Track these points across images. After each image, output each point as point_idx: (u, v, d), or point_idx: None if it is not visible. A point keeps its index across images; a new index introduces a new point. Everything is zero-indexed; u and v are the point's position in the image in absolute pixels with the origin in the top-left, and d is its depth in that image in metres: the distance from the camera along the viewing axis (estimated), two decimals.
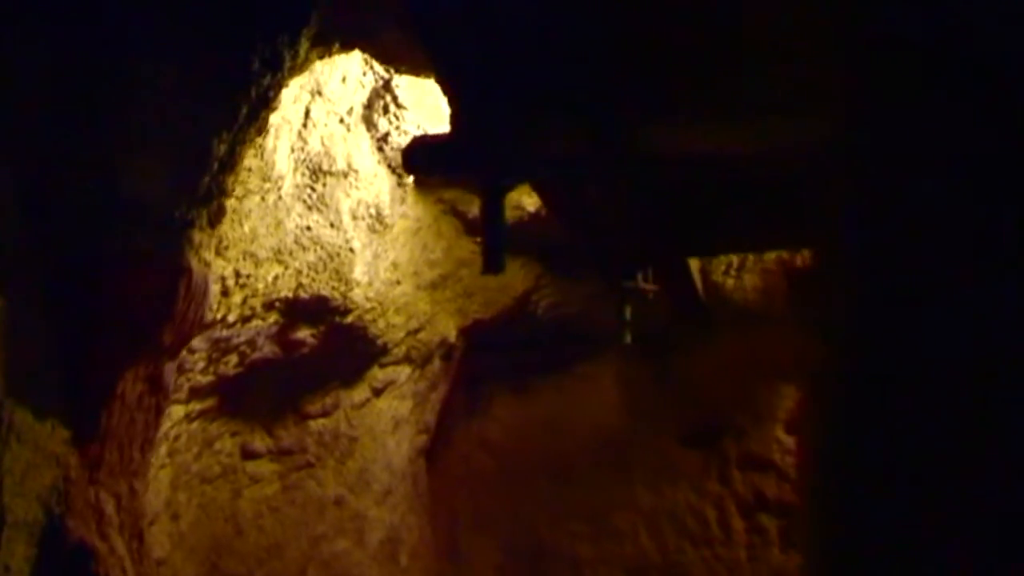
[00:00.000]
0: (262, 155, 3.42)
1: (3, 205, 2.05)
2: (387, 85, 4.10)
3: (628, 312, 3.77)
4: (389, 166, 4.31)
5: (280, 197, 3.66)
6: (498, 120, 2.43)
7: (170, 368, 2.59)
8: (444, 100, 2.56)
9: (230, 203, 2.77)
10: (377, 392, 4.92)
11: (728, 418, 5.35)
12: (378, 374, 4.87)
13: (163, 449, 3.70)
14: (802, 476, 3.97)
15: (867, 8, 1.73)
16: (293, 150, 3.70)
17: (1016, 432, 1.33)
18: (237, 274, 3.54)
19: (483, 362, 5.56)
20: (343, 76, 3.85)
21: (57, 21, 2.05)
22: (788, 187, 2.82)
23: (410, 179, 4.45)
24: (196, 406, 3.87)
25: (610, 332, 4.20)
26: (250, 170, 3.35)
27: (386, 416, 5.03)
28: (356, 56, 3.72)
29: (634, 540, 5.45)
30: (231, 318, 3.66)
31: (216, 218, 2.48)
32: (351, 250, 4.13)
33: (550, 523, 5.56)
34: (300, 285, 3.93)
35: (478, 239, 4.78)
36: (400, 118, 4.22)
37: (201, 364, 3.71)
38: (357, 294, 4.27)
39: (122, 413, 2.36)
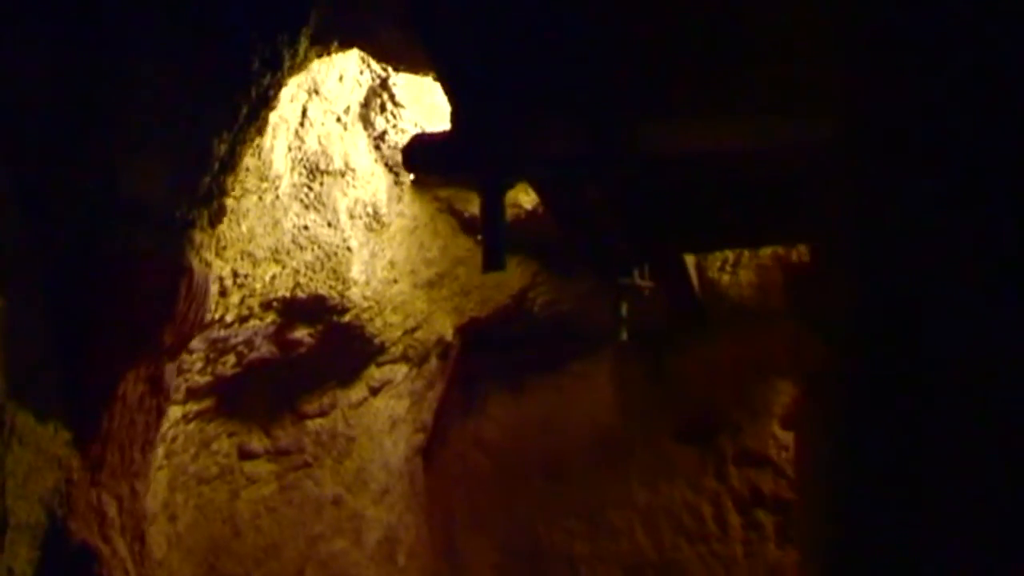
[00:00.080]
0: (259, 154, 3.42)
1: (3, 205, 2.05)
2: (384, 83, 4.10)
3: (624, 309, 3.78)
4: (386, 165, 4.31)
5: (277, 196, 3.65)
6: (498, 118, 2.44)
7: (171, 369, 2.59)
8: (443, 98, 2.56)
9: (228, 203, 2.77)
10: (374, 391, 4.92)
11: (724, 414, 5.37)
12: (375, 373, 4.87)
13: (160, 450, 3.69)
14: (799, 474, 3.98)
15: (867, 8, 1.74)
16: (290, 149, 3.70)
17: (1016, 431, 1.34)
18: (235, 274, 3.54)
19: (479, 361, 5.56)
20: (340, 75, 3.85)
21: (57, 21, 2.04)
22: (784, 182, 2.83)
23: (407, 177, 4.45)
24: (193, 407, 3.87)
25: (606, 330, 4.21)
26: (247, 169, 3.35)
27: (383, 415, 5.04)
28: (353, 55, 3.71)
29: (630, 537, 5.47)
30: (229, 318, 3.66)
31: (217, 218, 2.48)
32: (348, 249, 4.13)
33: (546, 521, 5.57)
34: (298, 284, 3.92)
35: (474, 237, 4.78)
36: (397, 116, 4.22)
37: (199, 365, 3.70)
38: (354, 293, 4.27)
39: (123, 414, 2.36)
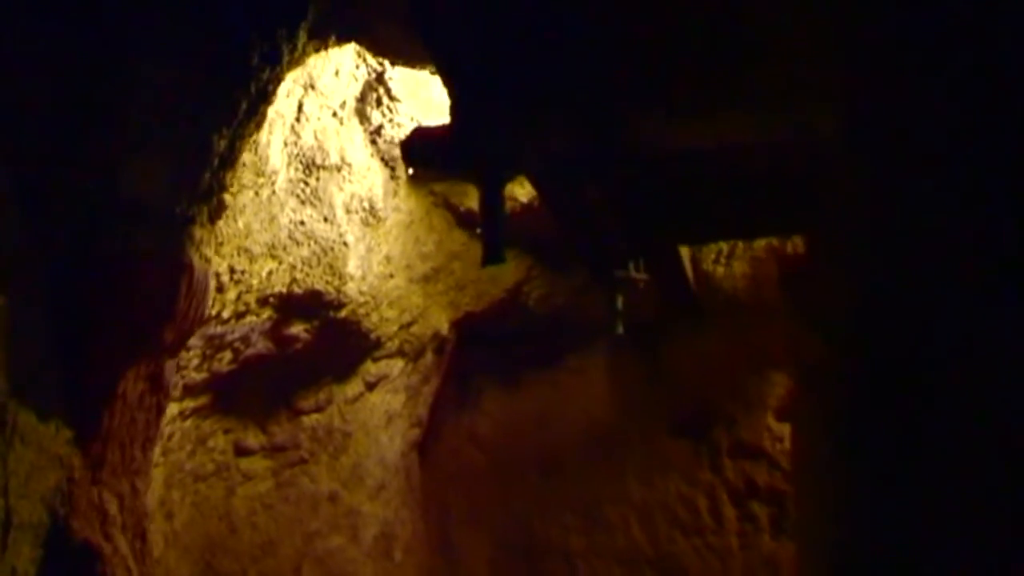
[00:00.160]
0: (256, 150, 3.41)
1: (3, 205, 2.04)
2: (380, 78, 4.09)
3: (620, 302, 3.79)
4: (382, 159, 4.30)
5: (274, 192, 3.65)
6: (498, 113, 2.44)
7: (171, 366, 2.59)
8: (439, 92, 2.56)
9: (226, 199, 2.77)
10: (370, 386, 4.92)
11: (719, 407, 5.38)
12: (371, 368, 4.87)
13: (156, 448, 3.69)
14: (794, 466, 4.01)
15: (867, 8, 1.75)
16: (286, 144, 3.69)
17: (1016, 430, 1.36)
18: (232, 270, 3.53)
19: (473, 356, 5.56)
20: (336, 69, 3.84)
21: (57, 21, 2.04)
22: (779, 174, 2.84)
23: (403, 172, 4.45)
24: (189, 404, 3.86)
25: (601, 324, 4.22)
26: (244, 165, 3.34)
27: (379, 410, 5.04)
28: (349, 49, 3.71)
29: (626, 531, 5.49)
30: (225, 314, 3.66)
31: (216, 214, 2.48)
32: (345, 244, 4.13)
33: (542, 516, 5.58)
34: (294, 280, 3.92)
35: (470, 232, 4.79)
36: (393, 111, 4.21)
37: (195, 361, 3.70)
38: (351, 288, 4.27)
39: (123, 412, 2.36)
